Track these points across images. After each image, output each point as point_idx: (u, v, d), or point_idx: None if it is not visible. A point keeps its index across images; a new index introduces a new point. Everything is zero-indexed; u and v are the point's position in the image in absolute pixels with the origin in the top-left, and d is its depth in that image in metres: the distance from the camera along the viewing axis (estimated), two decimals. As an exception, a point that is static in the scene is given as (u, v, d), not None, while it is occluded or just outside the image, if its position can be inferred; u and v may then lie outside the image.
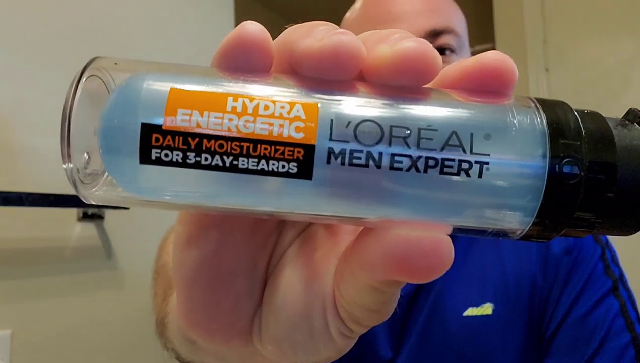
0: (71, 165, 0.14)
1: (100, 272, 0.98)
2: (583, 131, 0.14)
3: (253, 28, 0.15)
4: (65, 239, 0.92)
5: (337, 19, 0.68)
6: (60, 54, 0.93)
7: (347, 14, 0.62)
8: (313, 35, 0.15)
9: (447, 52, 0.55)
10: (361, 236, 0.15)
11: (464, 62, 0.15)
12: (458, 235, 0.15)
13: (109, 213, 0.99)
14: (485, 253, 0.56)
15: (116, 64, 0.15)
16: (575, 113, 0.15)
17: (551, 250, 0.55)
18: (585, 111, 0.15)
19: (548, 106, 0.14)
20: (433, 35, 0.55)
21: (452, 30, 0.56)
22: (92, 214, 0.95)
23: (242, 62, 0.15)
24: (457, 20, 0.58)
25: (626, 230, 0.15)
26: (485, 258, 0.56)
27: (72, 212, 0.93)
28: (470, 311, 0.53)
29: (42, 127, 0.89)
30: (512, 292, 0.54)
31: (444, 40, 0.55)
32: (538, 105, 0.14)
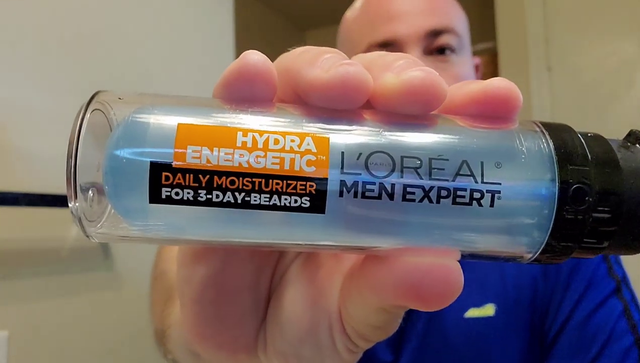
0: (77, 204, 0.14)
1: (97, 273, 0.98)
2: (589, 156, 0.14)
3: (256, 58, 0.15)
4: (62, 240, 0.91)
5: (336, 18, 0.67)
6: (57, 55, 0.92)
7: (347, 13, 0.62)
8: (319, 65, 0.15)
9: (447, 52, 0.55)
10: (370, 259, 0.15)
11: (469, 87, 0.15)
12: (468, 258, 0.15)
13: (107, 214, 0.98)
14: None
15: (120, 98, 0.14)
16: (580, 136, 0.15)
17: None
18: (589, 134, 0.15)
19: (553, 131, 0.15)
20: (433, 35, 0.54)
21: (452, 29, 0.55)
22: (90, 214, 0.95)
23: (245, 93, 0.15)
24: (457, 20, 0.57)
25: (633, 249, 0.15)
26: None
27: (69, 213, 0.92)
28: (472, 312, 0.53)
29: (38, 128, 0.89)
30: (512, 294, 0.53)
31: (444, 40, 0.54)
32: (544, 130, 0.15)
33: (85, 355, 0.93)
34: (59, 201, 0.86)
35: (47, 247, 0.89)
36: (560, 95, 1.39)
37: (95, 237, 0.15)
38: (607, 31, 1.36)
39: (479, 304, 0.53)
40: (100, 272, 0.98)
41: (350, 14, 0.61)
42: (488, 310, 0.53)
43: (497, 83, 0.15)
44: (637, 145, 0.15)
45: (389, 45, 0.54)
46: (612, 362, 0.49)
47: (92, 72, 0.98)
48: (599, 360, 0.49)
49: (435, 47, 0.54)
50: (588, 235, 0.14)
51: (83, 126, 0.14)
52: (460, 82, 0.16)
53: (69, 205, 0.14)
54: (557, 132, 0.15)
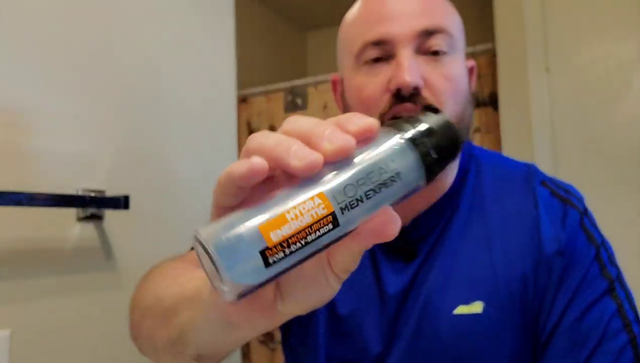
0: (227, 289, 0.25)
1: (99, 273, 0.98)
2: (418, 121, 0.29)
3: (259, 163, 0.25)
4: (65, 239, 0.92)
5: (336, 19, 0.68)
6: (61, 56, 0.93)
7: (347, 16, 0.63)
8: (292, 154, 0.25)
9: (439, 53, 0.55)
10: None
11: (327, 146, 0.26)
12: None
13: (108, 214, 0.99)
14: (475, 253, 0.56)
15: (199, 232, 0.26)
16: (410, 115, 0.28)
17: (543, 252, 0.54)
18: (412, 115, 0.30)
19: (395, 121, 0.29)
20: (425, 36, 0.55)
21: (445, 30, 0.56)
22: (92, 215, 0.95)
23: (250, 183, 0.25)
24: (450, 21, 0.58)
25: (453, 151, 0.29)
26: (476, 258, 0.56)
27: (71, 212, 0.93)
28: (461, 309, 0.54)
29: (42, 128, 0.89)
30: (503, 292, 0.54)
31: (436, 40, 0.55)
32: (389, 124, 0.29)
33: (87, 355, 0.94)
34: (61, 201, 0.86)
35: (50, 247, 0.90)
36: (559, 96, 1.40)
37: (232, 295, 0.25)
38: (605, 32, 1.36)
39: (467, 301, 0.54)
40: (102, 272, 0.99)
41: (349, 16, 0.62)
42: (476, 307, 0.53)
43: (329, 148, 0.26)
44: (428, 111, 0.30)
45: (382, 43, 0.55)
46: (605, 361, 0.49)
47: (94, 72, 0.99)
48: (592, 359, 0.49)
49: (427, 47, 0.55)
50: (433, 150, 0.28)
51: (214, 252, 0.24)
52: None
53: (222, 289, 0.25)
54: (397, 120, 0.29)
